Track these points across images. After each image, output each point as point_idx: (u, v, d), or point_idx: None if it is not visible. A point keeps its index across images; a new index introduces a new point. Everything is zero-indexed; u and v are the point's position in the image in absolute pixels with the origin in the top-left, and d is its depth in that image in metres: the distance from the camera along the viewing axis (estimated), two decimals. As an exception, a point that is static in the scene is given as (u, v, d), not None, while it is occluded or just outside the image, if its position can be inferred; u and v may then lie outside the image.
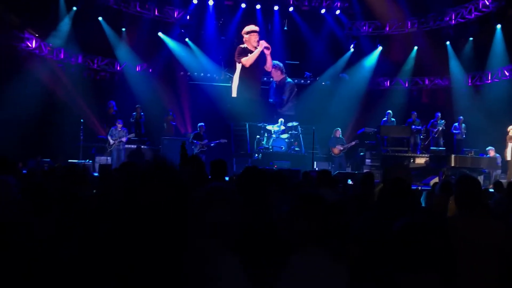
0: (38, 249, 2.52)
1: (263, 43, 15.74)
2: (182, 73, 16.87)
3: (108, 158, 13.41)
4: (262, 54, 16.02)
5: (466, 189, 3.03)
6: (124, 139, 13.37)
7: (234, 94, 16.21)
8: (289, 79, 17.22)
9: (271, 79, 17.08)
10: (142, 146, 14.12)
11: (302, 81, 17.87)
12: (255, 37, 15.67)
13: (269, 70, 16.50)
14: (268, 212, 3.30)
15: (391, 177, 3.00)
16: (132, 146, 14.01)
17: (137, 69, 16.79)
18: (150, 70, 16.86)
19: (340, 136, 14.86)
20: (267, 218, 3.06)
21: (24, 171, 7.42)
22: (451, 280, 2.31)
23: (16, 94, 12.53)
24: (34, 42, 14.31)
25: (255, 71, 16.15)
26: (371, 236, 2.57)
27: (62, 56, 15.30)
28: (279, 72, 16.83)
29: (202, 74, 17.04)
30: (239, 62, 15.80)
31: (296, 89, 17.30)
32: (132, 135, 13.73)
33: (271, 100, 16.96)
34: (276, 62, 16.79)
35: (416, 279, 2.10)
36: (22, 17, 13.52)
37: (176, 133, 15.90)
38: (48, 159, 11.33)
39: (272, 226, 3.00)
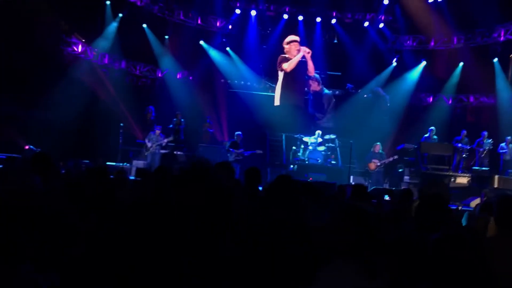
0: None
1: (304, 49, 15.65)
2: (222, 80, 17.04)
3: (145, 162, 13.61)
4: (303, 62, 15.95)
5: (507, 208, 2.86)
6: (163, 143, 13.62)
7: (276, 102, 16.14)
8: (326, 91, 17.05)
9: (307, 90, 16.97)
10: (176, 152, 14.22)
11: (344, 92, 17.68)
12: (296, 46, 15.61)
13: (312, 74, 16.36)
14: (300, 221, 3.22)
15: (428, 193, 2.86)
16: (168, 151, 14.19)
17: (178, 77, 17.07)
18: (191, 78, 17.11)
19: (380, 151, 14.55)
20: (298, 227, 2.97)
21: (62, 171, 7.58)
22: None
23: (61, 96, 12.93)
24: (80, 46, 14.80)
25: (297, 78, 16.03)
26: (407, 248, 2.45)
27: (106, 61, 15.74)
28: (316, 83, 16.69)
29: (242, 82, 17.14)
30: (281, 70, 15.76)
31: (334, 100, 17.10)
32: (170, 139, 13.92)
33: (310, 111, 16.83)
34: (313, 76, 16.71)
35: None
36: (70, 22, 14.01)
37: (213, 140, 15.99)
38: (87, 161, 11.57)
39: (305, 234, 2.92)
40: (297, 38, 15.98)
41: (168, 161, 13.42)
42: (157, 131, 13.74)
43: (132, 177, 10.11)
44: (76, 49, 14.70)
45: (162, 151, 13.93)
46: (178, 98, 16.28)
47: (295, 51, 15.63)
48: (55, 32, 13.68)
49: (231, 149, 13.82)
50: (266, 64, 17.00)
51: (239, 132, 14.20)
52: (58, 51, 13.92)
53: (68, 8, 13.70)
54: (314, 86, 16.67)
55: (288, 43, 15.80)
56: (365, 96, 17.51)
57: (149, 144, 13.50)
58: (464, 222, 6.67)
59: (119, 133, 13.88)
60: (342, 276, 2.11)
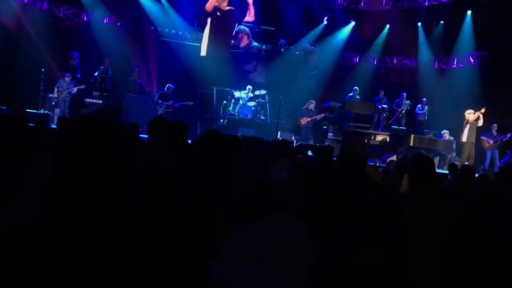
0: None
1: None
2: (152, 28, 16.39)
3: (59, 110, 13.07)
4: (232, 11, 15.69)
5: (419, 167, 3.14)
6: (73, 91, 13.13)
7: (203, 53, 15.85)
8: (255, 43, 17.04)
9: (237, 43, 16.87)
10: (87, 100, 13.58)
11: (276, 48, 17.71)
12: None
13: (252, 19, 16.18)
14: (231, 177, 3.33)
15: (348, 151, 3.06)
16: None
17: (105, 22, 16.19)
18: (118, 24, 16.30)
19: (313, 109, 14.92)
20: (231, 182, 3.08)
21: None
22: (402, 255, 2.41)
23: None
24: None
25: (225, 27, 15.80)
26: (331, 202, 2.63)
27: (25, 1, 14.59)
28: (245, 37, 16.61)
29: (173, 31, 16.62)
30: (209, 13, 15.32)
31: (263, 53, 17.15)
32: (81, 87, 13.36)
33: (243, 66, 16.79)
34: (243, 27, 16.57)
35: (370, 252, 2.18)
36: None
37: (141, 91, 15.57)
38: (5, 107, 10.87)
39: (240, 190, 3.04)
40: None
41: (77, 109, 12.87)
42: (67, 78, 13.15)
43: (54, 126, 9.69)
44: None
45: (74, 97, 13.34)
46: (105, 44, 15.50)
47: (225, 1, 15.34)
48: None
49: (160, 101, 13.58)
50: (199, 13, 16.56)
51: (171, 85, 13.94)
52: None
53: None
54: (244, 40, 16.58)
55: None
56: (297, 53, 17.71)
57: (55, 93, 12.98)
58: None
59: (40, 79, 13.12)
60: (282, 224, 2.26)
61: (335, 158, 7.44)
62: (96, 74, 14.54)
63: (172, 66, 15.57)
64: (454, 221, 3.16)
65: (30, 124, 5.79)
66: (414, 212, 3.03)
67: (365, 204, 2.29)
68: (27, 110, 11.56)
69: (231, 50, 16.77)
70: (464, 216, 3.28)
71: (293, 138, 14.27)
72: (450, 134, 13.92)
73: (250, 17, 15.97)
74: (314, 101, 14.96)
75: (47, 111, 12.76)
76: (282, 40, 17.54)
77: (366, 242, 2.19)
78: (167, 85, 13.93)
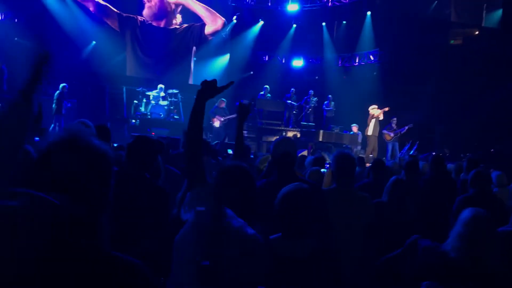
0: None
1: None
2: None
3: None
4: None
5: (344, 165, 3.37)
6: None
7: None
8: None
9: None
10: None
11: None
12: None
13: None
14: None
15: (280, 151, 3.19)
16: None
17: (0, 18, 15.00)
18: (16, 20, 15.18)
19: (224, 107, 15.02)
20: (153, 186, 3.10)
21: None
22: (327, 245, 2.59)
23: None
24: None
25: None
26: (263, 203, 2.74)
27: None
28: None
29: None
30: None
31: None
32: None
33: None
34: None
35: (295, 244, 2.33)
36: None
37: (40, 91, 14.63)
38: None
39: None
40: None
41: None
42: None
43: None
44: None
45: None
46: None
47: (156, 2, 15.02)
48: None
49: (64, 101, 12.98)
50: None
51: (65, 84, 13.24)
52: None
53: None
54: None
55: None
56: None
57: None
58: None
59: None
60: None
61: (252, 156, 7.70)
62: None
63: (75, 64, 14.84)
64: (371, 215, 3.44)
65: None
66: (341, 206, 3.27)
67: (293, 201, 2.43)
68: None
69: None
70: (380, 208, 3.58)
71: (207, 137, 14.28)
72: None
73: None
74: (225, 100, 15.10)
75: None
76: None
77: (291, 234, 2.35)
78: (62, 84, 13.18)
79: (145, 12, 16.66)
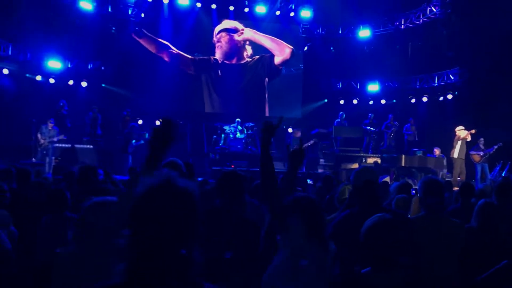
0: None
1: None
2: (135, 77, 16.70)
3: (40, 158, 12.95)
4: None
5: (433, 191, 3.21)
6: (55, 139, 12.97)
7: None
8: None
9: None
10: (77, 145, 13.53)
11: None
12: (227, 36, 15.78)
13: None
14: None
15: (360, 180, 3.12)
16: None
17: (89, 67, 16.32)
18: (103, 68, 16.42)
19: (300, 136, 15.09)
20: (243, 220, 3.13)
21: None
22: (419, 276, 2.47)
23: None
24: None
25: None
26: (346, 237, 2.68)
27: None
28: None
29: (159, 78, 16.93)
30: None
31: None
32: (61, 137, 13.22)
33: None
34: None
35: (386, 277, 2.24)
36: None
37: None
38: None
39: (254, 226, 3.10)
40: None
41: (67, 158, 12.83)
42: (50, 124, 13.00)
43: (49, 175, 9.64)
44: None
45: (58, 145, 13.19)
46: (90, 89, 15.69)
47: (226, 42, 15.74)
48: None
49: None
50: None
51: (134, 123, 14.21)
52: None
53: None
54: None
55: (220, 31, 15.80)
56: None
57: (40, 140, 12.78)
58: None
59: (31, 129, 13.10)
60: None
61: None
62: (87, 121, 14.57)
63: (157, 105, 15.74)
64: (463, 241, 3.24)
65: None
66: (431, 235, 3.11)
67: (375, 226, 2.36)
68: (21, 161, 11.48)
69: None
70: (471, 234, 3.37)
71: (285, 167, 14.34)
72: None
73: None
74: (300, 129, 15.19)
75: (39, 161, 12.66)
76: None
77: (381, 267, 2.27)
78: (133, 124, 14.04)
79: (217, 53, 17.30)
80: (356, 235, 2.40)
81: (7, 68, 14.12)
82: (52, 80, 15.29)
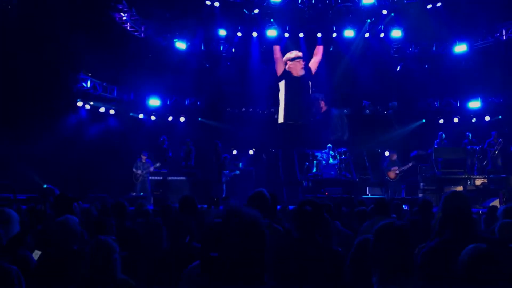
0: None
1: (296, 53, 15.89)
2: (228, 109, 17.32)
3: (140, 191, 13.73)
4: (305, 78, 16.00)
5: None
6: (151, 170, 13.80)
7: (280, 119, 16.11)
8: (333, 110, 17.24)
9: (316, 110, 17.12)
10: (170, 178, 14.16)
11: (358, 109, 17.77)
12: (300, 63, 15.69)
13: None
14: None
15: (450, 205, 2.90)
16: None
17: (186, 103, 17.27)
18: (199, 103, 17.29)
19: (396, 159, 14.57)
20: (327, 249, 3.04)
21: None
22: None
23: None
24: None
25: (300, 93, 16.05)
26: (436, 268, 2.49)
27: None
28: (322, 102, 16.87)
29: (251, 109, 17.45)
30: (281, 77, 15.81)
31: (346, 120, 17.22)
32: (157, 165, 14.02)
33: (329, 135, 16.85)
34: (317, 94, 16.90)
35: None
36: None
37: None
38: (105, 194, 11.61)
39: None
40: (300, 54, 16.06)
41: (161, 188, 13.49)
42: (144, 157, 13.88)
43: (150, 207, 10.18)
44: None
45: (152, 178, 13.96)
46: (188, 123, 16.61)
47: (299, 69, 15.70)
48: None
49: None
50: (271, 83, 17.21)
51: (226, 154, 14.46)
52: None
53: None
54: (322, 106, 16.82)
55: (292, 59, 15.85)
56: (385, 112, 17.63)
57: (138, 172, 13.67)
58: (483, 224, 6.71)
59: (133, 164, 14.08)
60: None
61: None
62: (181, 154, 15.33)
63: (249, 135, 16.14)
64: None
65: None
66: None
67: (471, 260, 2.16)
68: (125, 196, 12.32)
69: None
70: None
71: (382, 192, 13.86)
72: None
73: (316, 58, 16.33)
74: (395, 152, 14.63)
75: (141, 193, 13.47)
76: (365, 101, 17.55)
77: None
78: (223, 155, 14.39)
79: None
80: (445, 264, 2.23)
81: (113, 109, 15.42)
82: (153, 117, 16.41)
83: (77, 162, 13.12)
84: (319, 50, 16.24)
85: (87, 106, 14.63)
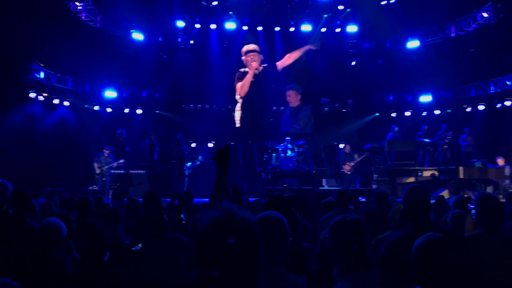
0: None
1: (254, 65, 16.02)
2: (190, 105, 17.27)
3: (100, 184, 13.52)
4: (260, 75, 16.19)
5: (489, 208, 3.09)
6: (113, 166, 13.63)
7: (237, 124, 16.43)
8: (305, 107, 17.49)
9: (284, 107, 17.36)
10: (131, 171, 13.95)
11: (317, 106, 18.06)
12: (253, 57, 15.87)
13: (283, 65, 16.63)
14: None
15: (411, 198, 3.08)
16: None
17: (143, 94, 17.01)
18: (156, 95, 17.06)
19: (350, 151, 14.99)
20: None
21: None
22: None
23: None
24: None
25: (256, 96, 16.35)
26: (399, 260, 2.64)
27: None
28: (299, 96, 17.12)
29: (207, 106, 17.44)
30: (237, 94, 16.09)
31: (312, 119, 17.54)
32: (120, 163, 13.83)
33: (282, 131, 17.02)
34: (295, 85, 17.18)
35: None
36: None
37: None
38: (62, 188, 11.33)
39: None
40: (255, 47, 16.16)
41: (122, 183, 13.34)
42: (106, 152, 13.69)
43: (109, 201, 10.02)
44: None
45: (112, 171, 13.73)
46: (145, 116, 16.39)
47: (252, 62, 15.86)
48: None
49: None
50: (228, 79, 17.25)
51: (184, 147, 14.45)
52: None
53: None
54: (296, 100, 17.08)
55: (246, 53, 15.93)
56: (343, 110, 18.05)
57: (96, 169, 13.52)
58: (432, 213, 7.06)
59: (90, 157, 13.77)
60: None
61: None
62: (143, 147, 15.12)
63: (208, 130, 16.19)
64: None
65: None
66: (488, 254, 3.00)
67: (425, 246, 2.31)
68: (83, 189, 12.07)
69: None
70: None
71: (337, 184, 14.26)
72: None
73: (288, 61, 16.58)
74: (349, 144, 15.13)
75: (100, 188, 13.24)
76: (324, 98, 17.88)
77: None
78: (181, 148, 14.35)
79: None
80: (408, 256, 2.36)
81: (68, 101, 14.99)
82: (109, 109, 16.07)
83: (30, 155, 12.70)
84: (293, 55, 16.54)
85: (41, 98, 14.12)
